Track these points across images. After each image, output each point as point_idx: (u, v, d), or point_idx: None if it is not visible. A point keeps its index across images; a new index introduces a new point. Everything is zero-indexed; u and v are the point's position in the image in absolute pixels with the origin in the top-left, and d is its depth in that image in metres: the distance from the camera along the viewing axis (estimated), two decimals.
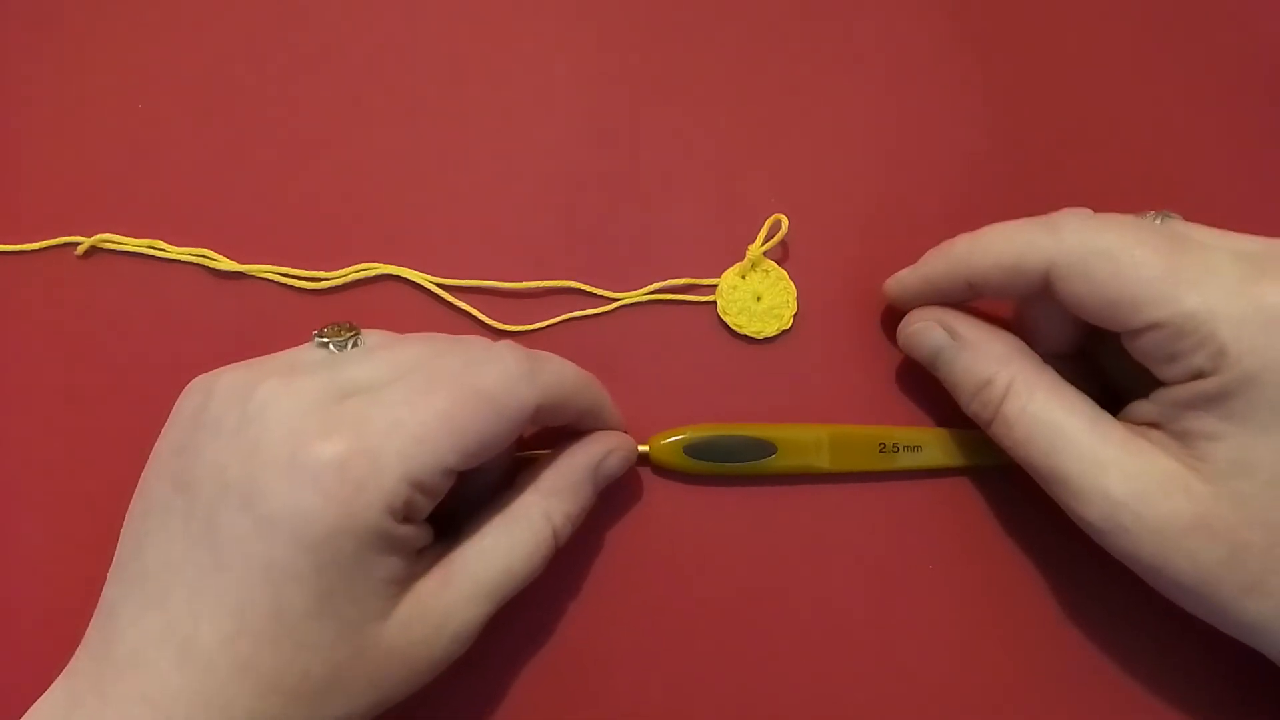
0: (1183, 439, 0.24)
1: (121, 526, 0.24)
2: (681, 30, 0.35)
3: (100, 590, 0.23)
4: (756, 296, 0.32)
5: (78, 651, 0.23)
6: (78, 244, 0.32)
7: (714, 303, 0.32)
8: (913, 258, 0.33)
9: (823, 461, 0.30)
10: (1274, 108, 0.35)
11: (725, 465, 0.30)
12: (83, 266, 0.32)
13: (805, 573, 0.30)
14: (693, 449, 0.29)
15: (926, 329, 0.29)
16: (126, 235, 0.32)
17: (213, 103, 0.34)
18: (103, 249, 0.32)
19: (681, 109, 0.35)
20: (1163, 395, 0.24)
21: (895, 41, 0.36)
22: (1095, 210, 0.26)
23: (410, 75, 0.34)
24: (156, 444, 0.24)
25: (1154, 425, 0.25)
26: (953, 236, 0.29)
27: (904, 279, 0.30)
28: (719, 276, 0.32)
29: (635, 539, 0.30)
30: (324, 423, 0.22)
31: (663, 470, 0.30)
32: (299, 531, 0.21)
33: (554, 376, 0.25)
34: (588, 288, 0.32)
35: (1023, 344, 0.27)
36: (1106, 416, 0.25)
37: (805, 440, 0.30)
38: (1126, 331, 0.24)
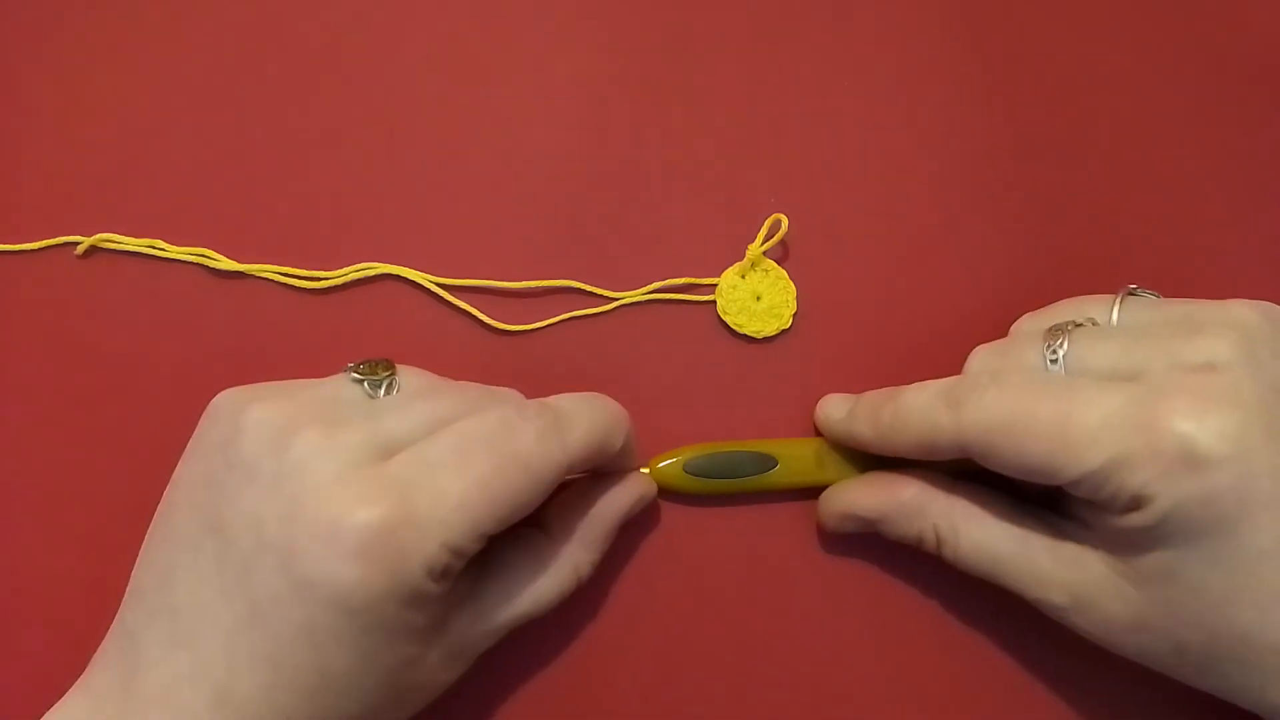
0: (1114, 549, 0.24)
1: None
2: (681, 30, 0.35)
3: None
4: (756, 296, 0.32)
5: (94, 668, 0.23)
6: (78, 244, 0.32)
7: (714, 302, 0.32)
8: (912, 257, 0.33)
9: (825, 473, 0.30)
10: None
11: (726, 482, 0.29)
12: (83, 266, 0.32)
13: (807, 587, 0.30)
14: (693, 467, 0.29)
15: (840, 523, 0.29)
16: (126, 235, 0.32)
17: (213, 103, 0.34)
18: (103, 249, 0.32)
19: (681, 109, 0.35)
20: (1099, 520, 0.25)
21: (896, 41, 0.36)
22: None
23: (410, 75, 0.34)
24: (181, 467, 0.24)
25: (1088, 527, 0.25)
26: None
27: (834, 426, 0.30)
28: (719, 276, 0.32)
29: (638, 562, 0.30)
30: (366, 487, 0.22)
31: (663, 491, 0.30)
32: (341, 599, 0.21)
33: (584, 434, 0.25)
34: (588, 287, 0.32)
35: (926, 485, 0.28)
36: (1032, 531, 0.26)
37: (805, 453, 0.30)
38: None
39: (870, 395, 0.29)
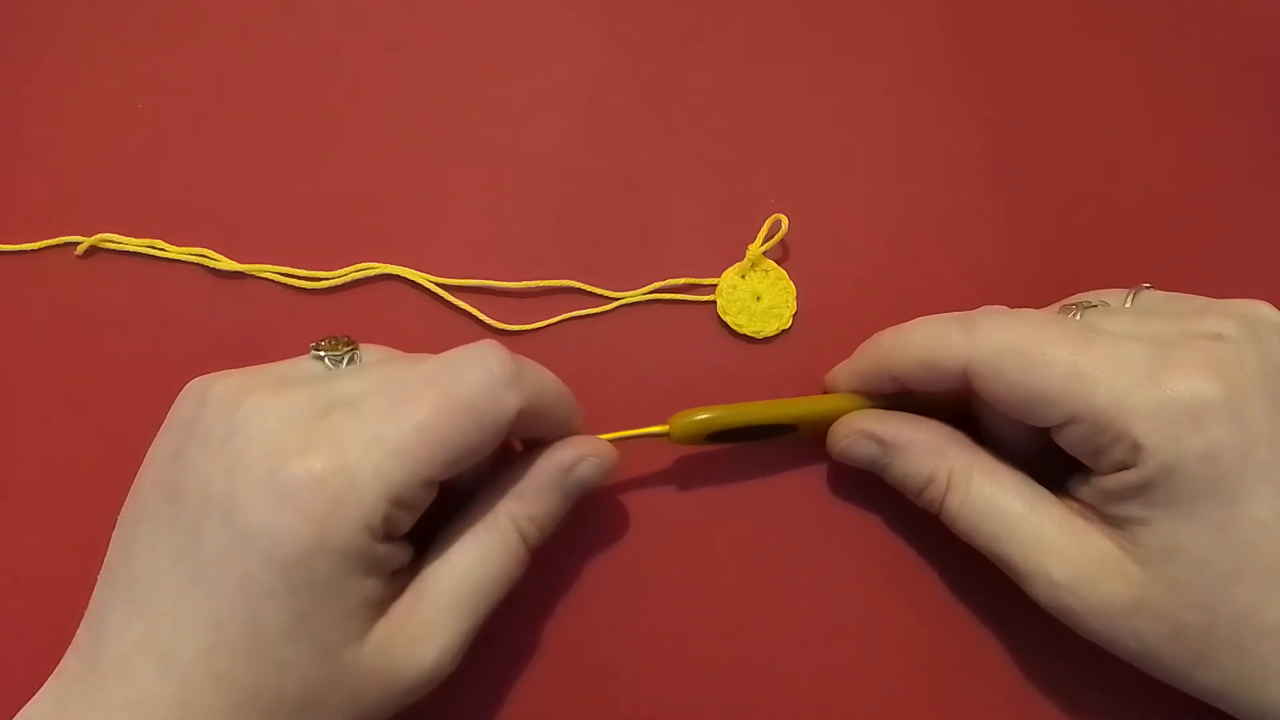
0: (1114, 523, 0.24)
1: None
2: (681, 30, 0.35)
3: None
4: (756, 296, 0.32)
5: (68, 652, 0.23)
6: (78, 244, 0.32)
7: (714, 302, 0.32)
8: (912, 257, 0.33)
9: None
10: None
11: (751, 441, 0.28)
12: (83, 266, 0.32)
13: (810, 570, 0.30)
14: (715, 436, 0.28)
15: (853, 444, 0.28)
16: (126, 235, 0.32)
17: (213, 103, 0.34)
18: (103, 249, 0.32)
19: (681, 109, 0.35)
20: (1093, 484, 0.25)
21: (895, 41, 0.36)
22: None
23: (410, 75, 0.34)
24: (151, 447, 0.24)
25: (1089, 507, 0.25)
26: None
27: (838, 375, 0.30)
28: (719, 276, 0.32)
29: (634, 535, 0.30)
30: (304, 439, 0.22)
31: (685, 442, 0.28)
32: (275, 549, 0.21)
33: (537, 382, 0.25)
34: (588, 287, 0.32)
35: (951, 430, 0.28)
36: (1045, 496, 0.26)
37: (829, 411, 0.29)
38: (1048, 427, 0.25)
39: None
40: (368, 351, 0.26)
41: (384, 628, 0.23)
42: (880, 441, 0.28)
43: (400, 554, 0.23)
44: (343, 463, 0.21)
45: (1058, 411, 0.24)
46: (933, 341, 0.26)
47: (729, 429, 0.28)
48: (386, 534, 0.22)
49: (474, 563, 0.24)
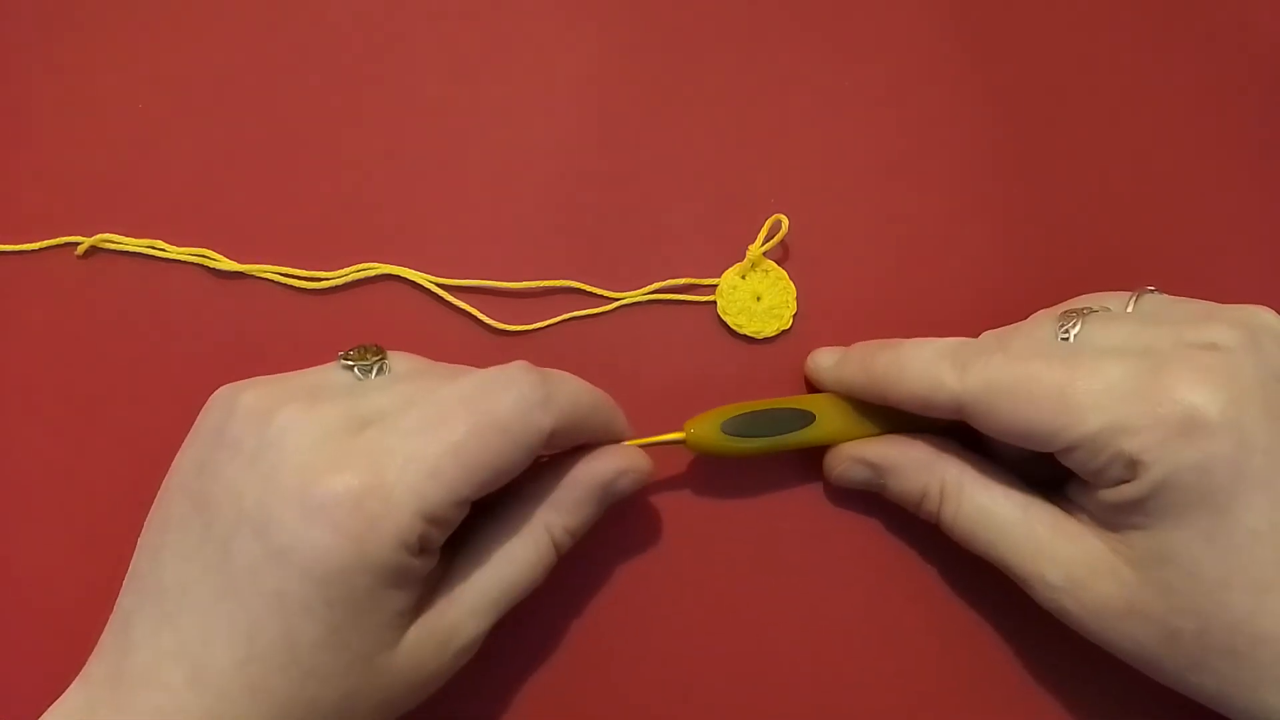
0: (1109, 526, 0.25)
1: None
2: (682, 30, 0.35)
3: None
4: (756, 296, 0.32)
5: (93, 656, 0.23)
6: (78, 244, 0.32)
7: (714, 303, 0.32)
8: (912, 258, 0.33)
9: (862, 428, 0.29)
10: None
11: (765, 441, 0.28)
12: (83, 266, 0.32)
13: (813, 569, 0.30)
14: (730, 427, 0.28)
15: (847, 471, 0.29)
16: (126, 235, 0.32)
17: (213, 103, 0.34)
18: (103, 249, 0.32)
19: (682, 109, 0.34)
20: (1093, 496, 0.25)
21: (895, 42, 0.36)
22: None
23: (411, 75, 0.34)
24: (178, 455, 0.24)
25: (1086, 511, 0.25)
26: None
27: (823, 374, 0.30)
28: (719, 276, 0.32)
29: (642, 535, 0.30)
30: (338, 455, 0.22)
31: (701, 452, 0.29)
32: (311, 566, 0.21)
33: (569, 400, 0.25)
34: (588, 288, 0.32)
35: (941, 441, 0.28)
36: (1037, 500, 0.26)
37: (842, 407, 0.29)
38: (1047, 452, 0.25)
39: (862, 344, 0.29)
40: (397, 361, 0.26)
41: (414, 631, 0.23)
42: (871, 466, 0.28)
43: (432, 563, 0.23)
44: (379, 480, 0.22)
45: (1054, 442, 0.24)
46: (926, 382, 0.26)
47: (743, 418, 0.28)
48: (421, 549, 0.22)
49: (506, 568, 0.25)
